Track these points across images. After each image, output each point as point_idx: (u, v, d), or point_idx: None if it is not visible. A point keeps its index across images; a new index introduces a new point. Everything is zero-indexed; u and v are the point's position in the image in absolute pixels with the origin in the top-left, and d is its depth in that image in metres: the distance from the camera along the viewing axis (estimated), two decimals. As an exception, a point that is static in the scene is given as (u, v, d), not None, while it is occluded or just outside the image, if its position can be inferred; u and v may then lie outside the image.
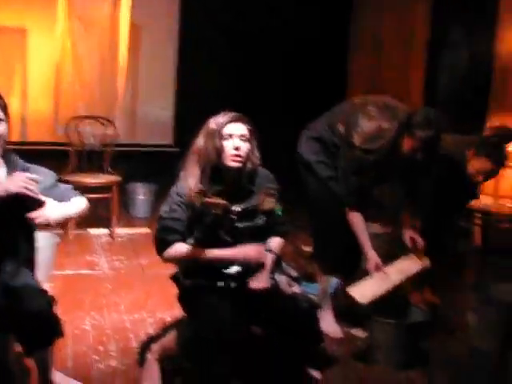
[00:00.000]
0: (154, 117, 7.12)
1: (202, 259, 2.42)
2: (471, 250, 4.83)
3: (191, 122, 7.33)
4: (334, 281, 2.66)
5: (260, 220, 2.54)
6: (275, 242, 2.60)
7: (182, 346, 2.45)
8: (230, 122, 2.49)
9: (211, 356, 2.27)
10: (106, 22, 6.35)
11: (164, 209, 2.50)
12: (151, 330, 3.19)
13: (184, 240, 2.45)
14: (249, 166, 2.52)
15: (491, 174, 3.30)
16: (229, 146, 2.45)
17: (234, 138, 2.46)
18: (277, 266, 2.60)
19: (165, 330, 3.11)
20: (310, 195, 3.27)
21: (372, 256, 3.00)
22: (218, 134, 2.47)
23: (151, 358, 2.61)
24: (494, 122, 5.07)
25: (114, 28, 6.31)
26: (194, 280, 2.49)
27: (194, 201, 2.36)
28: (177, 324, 2.58)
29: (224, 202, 2.37)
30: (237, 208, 2.47)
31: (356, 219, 3.08)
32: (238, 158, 2.45)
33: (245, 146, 2.47)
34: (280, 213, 2.62)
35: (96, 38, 6.33)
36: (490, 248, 4.73)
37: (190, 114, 7.20)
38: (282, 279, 2.57)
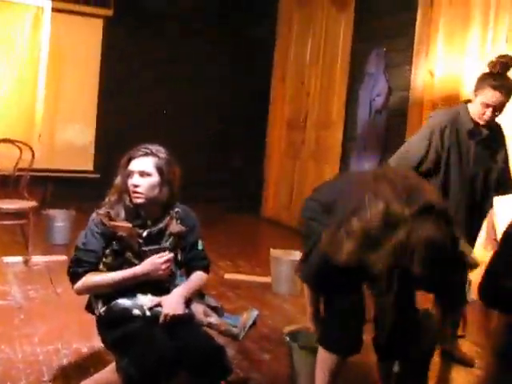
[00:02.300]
0: (73, 141, 6.99)
1: (106, 284, 2.46)
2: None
3: (112, 148, 7.30)
4: (254, 313, 2.64)
5: (167, 243, 2.57)
6: (197, 277, 2.65)
7: (124, 380, 2.32)
8: (133, 158, 2.55)
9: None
10: (25, 42, 6.21)
11: (80, 239, 2.53)
12: (65, 362, 3.06)
13: (96, 270, 2.48)
14: (159, 199, 2.55)
15: (502, 105, 3.10)
16: (130, 183, 2.52)
17: (134, 174, 2.52)
18: (198, 297, 2.62)
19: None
20: None
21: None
22: (124, 172, 2.55)
23: None
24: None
25: (34, 49, 6.17)
26: (109, 308, 2.46)
27: (102, 222, 2.47)
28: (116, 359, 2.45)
29: (129, 225, 2.47)
30: (143, 232, 2.52)
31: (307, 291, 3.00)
32: (137, 195, 2.51)
33: (145, 182, 2.51)
34: (201, 247, 2.70)
35: (14, 59, 6.17)
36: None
37: (112, 140, 7.16)
38: (198, 309, 2.55)
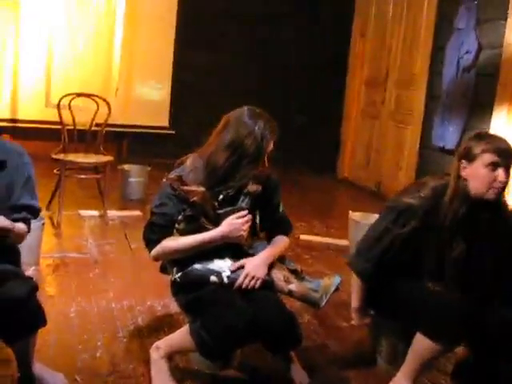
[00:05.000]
0: (149, 97, 6.96)
1: (184, 248, 2.36)
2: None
3: (188, 104, 7.17)
4: (337, 279, 2.51)
5: (243, 203, 2.42)
6: (281, 241, 2.55)
7: (197, 343, 2.27)
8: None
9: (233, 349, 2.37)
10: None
11: (155, 202, 2.43)
12: (140, 320, 3.04)
13: (171, 234, 2.39)
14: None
15: None
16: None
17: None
18: (279, 260, 2.50)
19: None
20: None
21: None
22: (264, 144, 2.37)
23: (157, 356, 2.42)
24: (501, 112, 4.95)
25: (110, 2, 6.13)
26: (185, 274, 2.38)
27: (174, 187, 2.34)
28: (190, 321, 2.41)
29: (202, 189, 2.31)
30: (220, 195, 2.38)
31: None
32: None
33: None
34: (282, 209, 2.60)
35: (91, 12, 6.15)
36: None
37: (188, 96, 7.10)
38: (278, 275, 2.43)
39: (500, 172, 2.28)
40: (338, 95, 7.51)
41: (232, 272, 2.37)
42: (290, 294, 2.43)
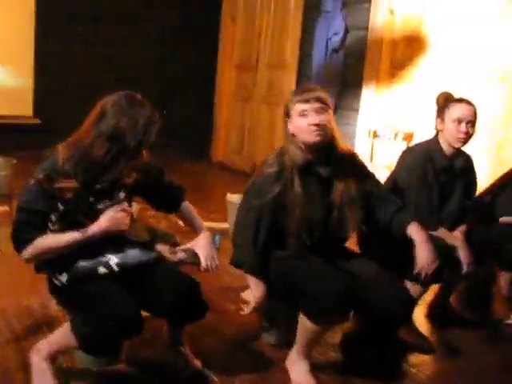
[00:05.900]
0: (10, 84, 6.52)
1: (60, 247, 2.19)
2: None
3: (54, 92, 6.80)
4: (215, 238, 2.55)
5: (121, 195, 2.30)
6: (191, 209, 2.58)
7: (79, 339, 2.13)
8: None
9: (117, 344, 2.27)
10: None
11: (23, 198, 2.19)
12: (15, 322, 2.82)
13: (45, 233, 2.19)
14: None
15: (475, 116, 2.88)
16: None
17: None
18: (160, 235, 2.53)
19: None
20: None
21: None
22: (146, 137, 2.20)
23: (38, 359, 2.24)
24: (369, 91, 5.14)
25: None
26: (72, 275, 2.23)
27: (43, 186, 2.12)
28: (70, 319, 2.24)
29: (74, 183, 2.13)
30: (95, 187, 2.22)
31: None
32: None
33: None
34: (169, 182, 2.55)
35: None
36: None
37: (53, 82, 6.74)
38: (164, 248, 2.46)
39: (310, 117, 2.39)
40: (209, 80, 7.45)
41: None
42: (181, 262, 2.46)
